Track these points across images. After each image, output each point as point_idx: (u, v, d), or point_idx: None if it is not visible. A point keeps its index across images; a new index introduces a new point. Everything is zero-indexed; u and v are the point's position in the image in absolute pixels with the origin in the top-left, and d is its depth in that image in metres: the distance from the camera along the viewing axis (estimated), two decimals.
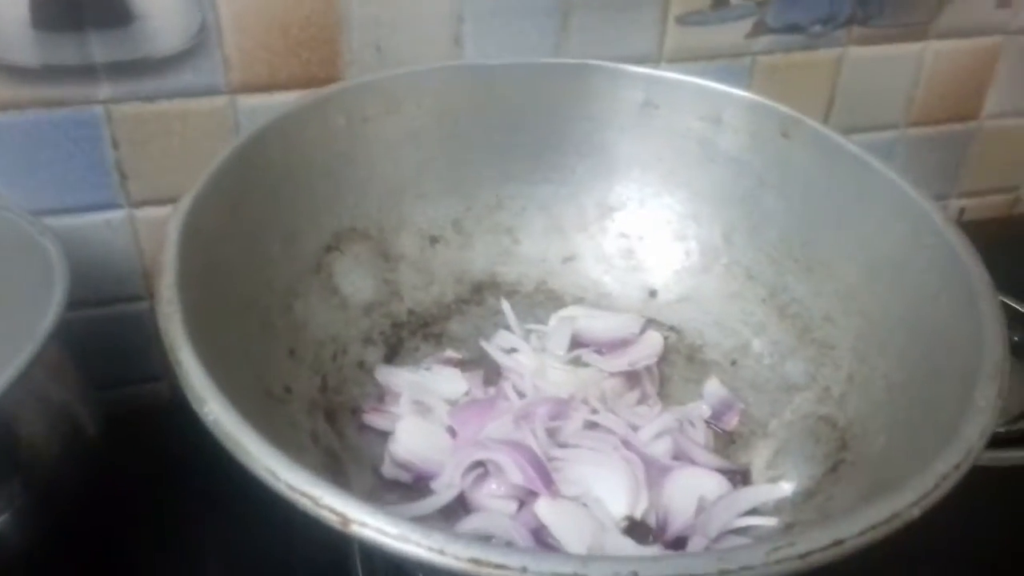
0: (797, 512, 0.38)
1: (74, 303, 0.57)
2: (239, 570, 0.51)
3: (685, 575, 0.25)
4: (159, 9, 0.50)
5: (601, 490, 0.39)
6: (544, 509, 0.38)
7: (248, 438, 0.28)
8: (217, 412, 0.29)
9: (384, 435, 0.43)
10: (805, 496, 0.39)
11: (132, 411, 0.57)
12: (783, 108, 0.46)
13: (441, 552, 0.25)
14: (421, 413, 0.44)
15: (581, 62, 0.50)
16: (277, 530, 0.48)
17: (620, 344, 0.48)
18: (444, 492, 0.40)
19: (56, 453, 0.45)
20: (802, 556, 0.26)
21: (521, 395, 0.45)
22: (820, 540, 0.26)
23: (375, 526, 0.26)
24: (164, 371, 0.63)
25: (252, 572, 0.50)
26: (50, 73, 0.50)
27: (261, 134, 0.42)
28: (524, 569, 0.25)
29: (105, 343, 0.60)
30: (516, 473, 0.39)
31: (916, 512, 0.27)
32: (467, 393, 0.46)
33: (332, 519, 0.26)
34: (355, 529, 0.26)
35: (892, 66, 0.68)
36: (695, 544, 0.38)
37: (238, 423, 0.28)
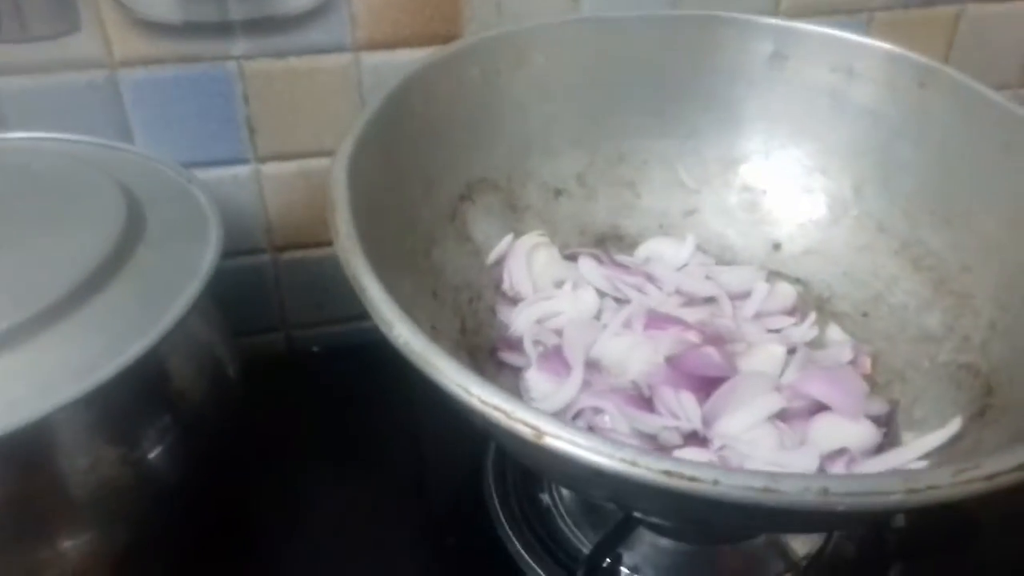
0: (946, 456, 0.38)
1: None
2: (369, 517, 0.52)
3: (874, 491, 0.25)
4: None
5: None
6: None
7: (439, 358, 0.29)
8: (406, 335, 0.30)
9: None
10: (953, 440, 0.39)
11: (250, 360, 0.60)
12: (920, 58, 0.46)
13: (634, 463, 0.26)
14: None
15: (709, 13, 0.50)
16: (406, 479, 0.50)
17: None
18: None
19: (203, 392, 0.47)
20: (989, 477, 0.26)
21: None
22: (1007, 462, 0.26)
23: (568, 438, 0.27)
24: (280, 323, 0.65)
25: (380, 518, 0.52)
26: (190, 29, 0.52)
27: (407, 84, 0.43)
28: (716, 482, 0.26)
29: (227, 294, 0.62)
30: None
31: None
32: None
33: (526, 432, 0.27)
34: (548, 441, 0.27)
35: (1011, 23, 0.66)
36: None
37: (426, 343, 0.30)
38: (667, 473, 0.26)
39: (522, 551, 0.45)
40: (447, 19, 0.56)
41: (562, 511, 0.47)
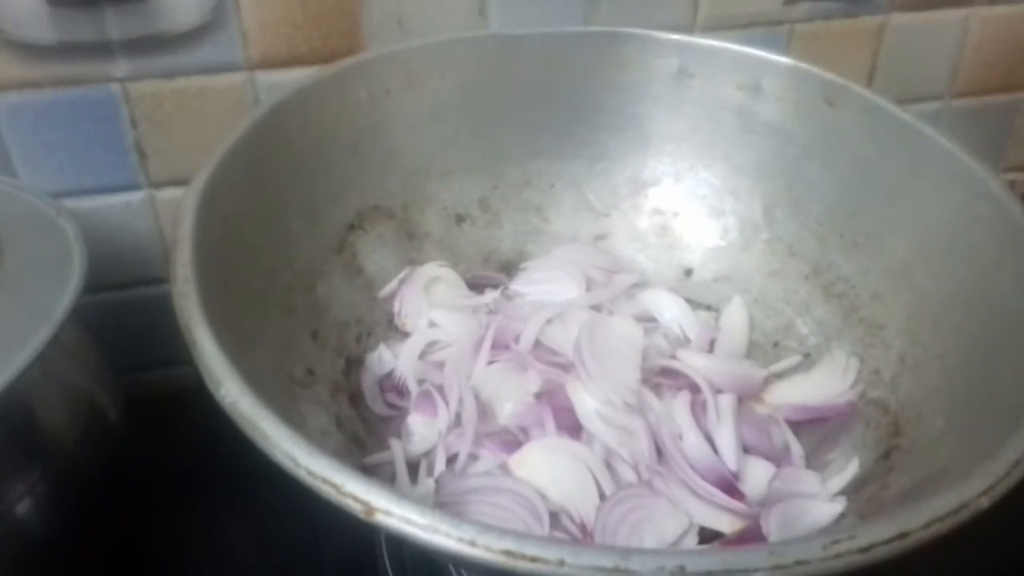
0: (848, 502, 0.36)
1: (96, 286, 0.57)
2: (264, 557, 0.50)
3: (735, 570, 0.23)
4: None
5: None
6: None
7: (267, 421, 0.26)
8: (234, 394, 0.27)
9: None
10: (857, 484, 0.36)
11: (157, 395, 0.56)
12: (828, 74, 0.44)
13: (472, 543, 0.23)
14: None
15: (611, 30, 0.48)
16: (303, 517, 0.47)
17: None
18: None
19: (76, 437, 0.45)
20: (863, 550, 0.24)
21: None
22: (883, 532, 0.24)
23: (400, 515, 0.24)
24: (188, 355, 0.62)
25: (277, 559, 0.49)
26: (66, 50, 0.49)
27: (278, 108, 0.41)
28: (561, 562, 0.23)
29: (129, 327, 0.59)
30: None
31: (985, 502, 0.25)
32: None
33: (355, 507, 0.24)
34: (380, 518, 0.24)
35: (936, 34, 0.65)
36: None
37: (256, 406, 0.27)
38: (507, 553, 0.23)
39: None
40: (345, 35, 0.53)
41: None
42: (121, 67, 0.50)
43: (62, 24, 0.48)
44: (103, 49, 0.50)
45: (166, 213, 0.56)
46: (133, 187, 0.55)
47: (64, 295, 0.40)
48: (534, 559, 0.23)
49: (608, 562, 0.23)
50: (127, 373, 0.53)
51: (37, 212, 0.45)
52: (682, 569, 0.23)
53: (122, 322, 0.59)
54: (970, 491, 0.25)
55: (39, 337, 0.38)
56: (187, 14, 0.50)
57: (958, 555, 0.30)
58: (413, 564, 0.45)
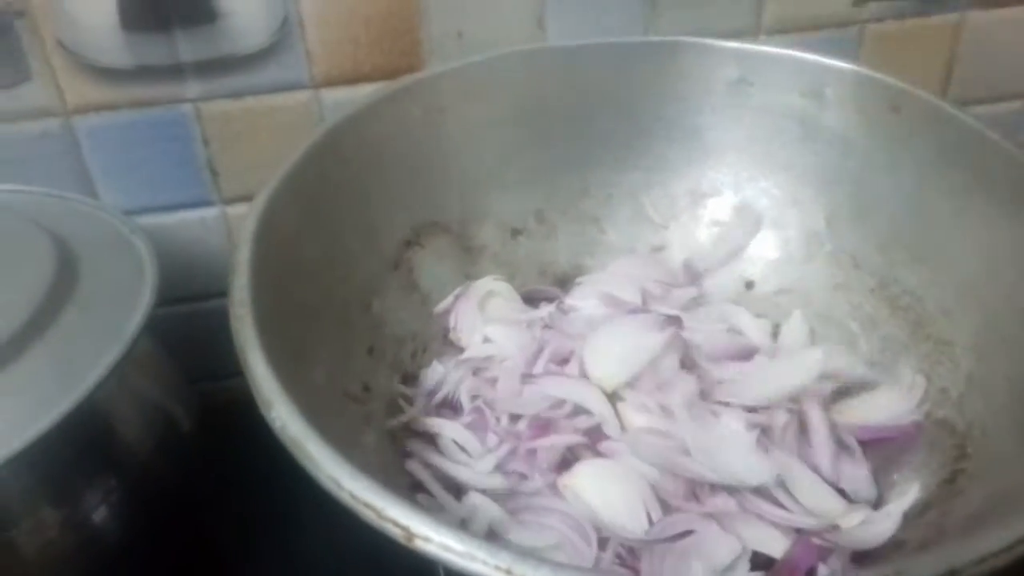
0: (908, 528, 0.34)
1: (171, 299, 0.59)
2: (331, 567, 0.50)
3: None
4: (242, 6, 0.50)
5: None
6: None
7: (314, 444, 0.27)
8: (284, 417, 0.28)
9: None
10: (919, 510, 0.35)
11: (231, 403, 0.58)
12: (892, 80, 0.43)
13: (508, 572, 0.24)
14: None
15: (668, 39, 0.47)
16: (370, 529, 0.48)
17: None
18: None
19: (150, 448, 0.46)
20: None
21: None
22: (931, 568, 0.23)
23: (439, 541, 0.24)
24: None
25: (344, 569, 0.50)
26: (142, 73, 0.51)
27: (335, 130, 0.42)
28: None
29: (203, 337, 0.61)
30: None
31: None
32: None
33: (396, 532, 0.25)
34: (419, 544, 0.25)
35: (1017, 30, 0.62)
36: None
37: (304, 429, 0.28)
38: None
39: None
40: (406, 52, 0.54)
41: None
42: (193, 88, 0.52)
43: (137, 48, 0.51)
44: (176, 71, 0.52)
45: (237, 228, 0.58)
46: (206, 203, 0.57)
47: (137, 311, 0.42)
48: None
49: None
50: (202, 382, 0.55)
51: (113, 230, 0.47)
52: None
53: (196, 333, 0.61)
54: None
55: (113, 352, 0.40)
56: (255, 36, 0.52)
57: None
58: None
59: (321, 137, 0.40)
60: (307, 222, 0.39)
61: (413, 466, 0.38)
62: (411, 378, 0.44)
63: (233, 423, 0.55)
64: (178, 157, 0.55)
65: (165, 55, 0.51)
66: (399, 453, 0.39)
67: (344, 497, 0.26)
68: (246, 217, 0.36)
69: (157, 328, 0.48)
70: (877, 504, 0.37)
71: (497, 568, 0.24)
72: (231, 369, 0.63)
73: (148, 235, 0.46)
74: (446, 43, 0.54)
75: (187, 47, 0.51)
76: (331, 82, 0.54)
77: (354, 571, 0.49)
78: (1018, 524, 0.24)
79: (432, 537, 0.24)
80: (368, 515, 0.25)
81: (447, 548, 0.24)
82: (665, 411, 0.38)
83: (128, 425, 0.45)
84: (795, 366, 0.40)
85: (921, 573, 0.23)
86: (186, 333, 0.58)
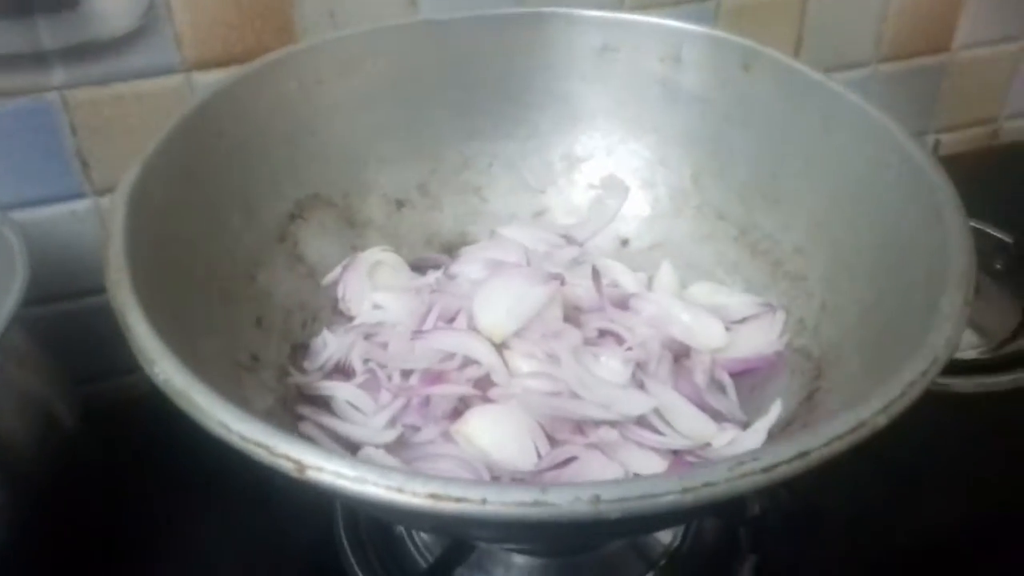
0: (772, 442, 0.37)
1: (48, 296, 0.57)
2: (225, 551, 0.50)
3: (647, 494, 0.24)
4: None
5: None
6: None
7: (199, 394, 0.27)
8: (168, 371, 0.28)
9: None
10: (782, 425, 0.38)
11: (111, 404, 0.57)
12: (742, 40, 0.46)
13: (399, 490, 0.25)
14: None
15: (534, 10, 0.49)
16: (258, 514, 0.48)
17: None
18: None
19: (31, 446, 0.45)
20: (766, 470, 0.25)
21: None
22: (784, 452, 0.25)
23: (332, 469, 0.25)
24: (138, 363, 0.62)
25: (238, 553, 0.50)
26: (2, 62, 0.49)
27: (209, 102, 0.41)
28: (484, 500, 0.24)
29: (80, 336, 0.59)
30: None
31: (883, 420, 0.27)
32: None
33: (288, 467, 0.26)
34: (312, 475, 0.25)
35: (859, 1, 0.67)
36: None
37: (188, 379, 0.28)
38: (433, 496, 0.25)
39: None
40: (279, 31, 0.54)
41: (415, 538, 0.45)
42: (58, 76, 0.51)
43: None
44: (39, 59, 0.50)
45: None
46: (77, 196, 0.55)
47: (5, 304, 0.41)
48: (459, 499, 0.24)
49: (528, 497, 0.24)
50: (87, 382, 0.53)
51: None
52: (597, 498, 0.24)
53: (77, 332, 0.59)
54: (868, 410, 0.27)
55: None
56: (119, 19, 0.51)
57: None
58: (371, 540, 0.46)
59: (195, 109, 0.40)
60: (184, 194, 0.39)
61: (307, 428, 0.39)
62: (302, 347, 0.44)
63: (119, 422, 0.54)
64: (45, 148, 0.53)
65: (26, 42, 0.49)
66: (293, 417, 0.39)
67: (234, 440, 0.26)
68: (117, 189, 0.36)
69: (36, 326, 0.47)
70: (746, 427, 0.39)
71: (388, 488, 0.25)
72: (120, 366, 0.62)
73: (19, 227, 0.45)
74: (319, 23, 0.54)
75: (49, 33, 0.50)
76: (203, 65, 0.53)
77: (246, 554, 0.49)
78: (861, 410, 0.27)
79: (324, 466, 0.25)
80: (260, 454, 0.26)
81: (340, 475, 0.25)
82: (551, 357, 0.39)
83: (4, 422, 0.44)
84: (667, 311, 0.43)
85: (776, 457, 0.25)
86: (68, 332, 0.56)
